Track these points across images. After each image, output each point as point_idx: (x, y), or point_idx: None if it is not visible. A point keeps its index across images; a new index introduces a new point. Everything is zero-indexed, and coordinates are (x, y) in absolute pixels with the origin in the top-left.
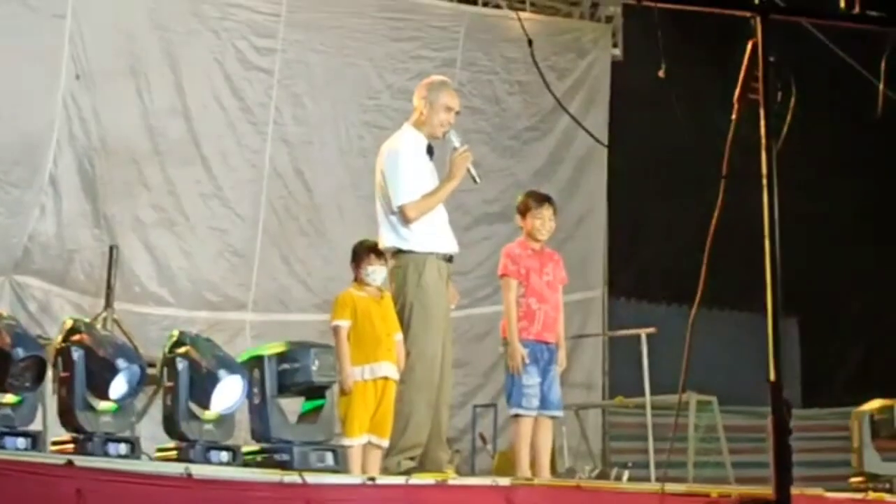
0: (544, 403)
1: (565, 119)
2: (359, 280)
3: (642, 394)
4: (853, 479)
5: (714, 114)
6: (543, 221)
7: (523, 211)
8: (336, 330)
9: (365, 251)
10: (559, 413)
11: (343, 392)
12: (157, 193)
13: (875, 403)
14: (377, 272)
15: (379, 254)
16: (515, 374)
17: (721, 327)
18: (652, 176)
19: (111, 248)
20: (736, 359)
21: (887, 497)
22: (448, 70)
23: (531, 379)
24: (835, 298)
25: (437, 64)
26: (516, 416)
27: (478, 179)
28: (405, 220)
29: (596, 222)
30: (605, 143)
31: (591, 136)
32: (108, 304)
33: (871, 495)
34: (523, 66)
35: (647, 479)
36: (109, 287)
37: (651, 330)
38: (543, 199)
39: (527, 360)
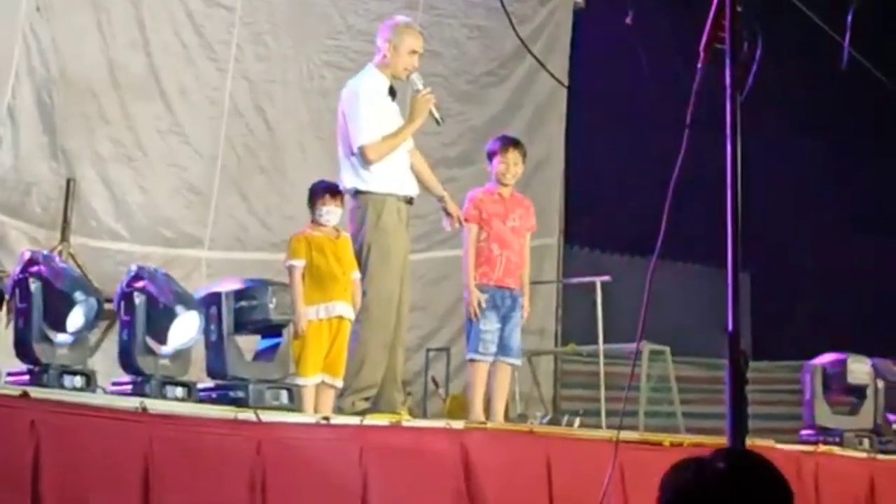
0: (503, 350)
1: (524, 65)
2: (314, 220)
3: (594, 342)
4: (804, 432)
5: (678, 63)
6: (508, 165)
7: (491, 155)
8: (290, 270)
9: (320, 192)
10: (517, 361)
11: (296, 334)
12: (115, 128)
13: (827, 357)
14: (332, 213)
15: (334, 194)
16: (472, 319)
17: (675, 279)
18: (612, 125)
19: (68, 182)
20: (690, 310)
21: (837, 450)
22: (410, 12)
23: (489, 325)
24: (788, 253)
25: (398, 6)
26: (472, 360)
27: (440, 121)
28: (366, 161)
29: (553, 169)
30: (566, 83)
31: (552, 75)
32: (64, 238)
33: (822, 448)
34: (484, 11)
35: (598, 427)
36: (66, 220)
37: (606, 278)
38: (510, 143)
39: (484, 305)
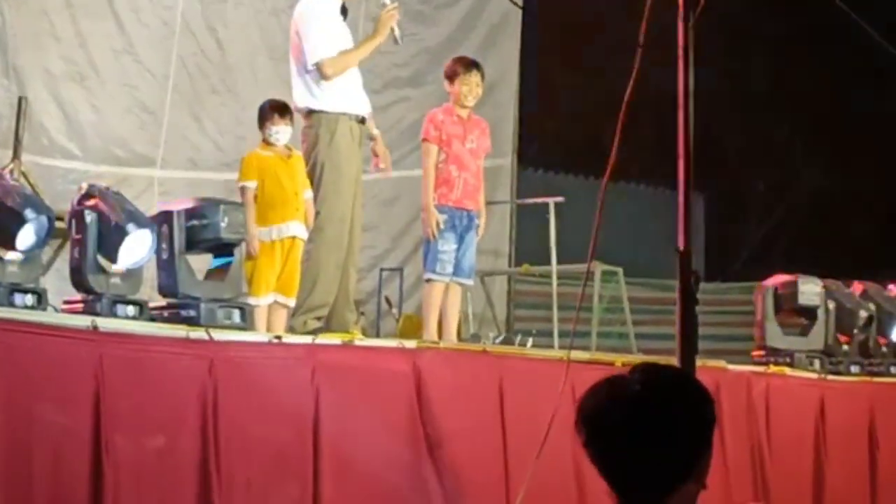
0: (456, 270)
1: None
2: (265, 140)
3: (548, 263)
4: (755, 353)
5: None
6: (470, 87)
7: (451, 76)
8: (242, 191)
9: (270, 111)
10: (469, 281)
11: (249, 255)
12: (67, 46)
13: (778, 278)
14: (282, 132)
15: (284, 113)
16: (430, 239)
17: (629, 199)
18: (565, 46)
19: (20, 100)
20: (642, 231)
21: (788, 370)
22: None
23: (447, 245)
24: (741, 174)
25: None
26: (429, 280)
27: (400, 41)
28: (323, 76)
29: (507, 91)
30: (520, 4)
31: None
32: (16, 156)
33: (772, 368)
34: None
35: (551, 347)
36: (17, 139)
37: (559, 199)
38: (471, 65)
39: (442, 226)
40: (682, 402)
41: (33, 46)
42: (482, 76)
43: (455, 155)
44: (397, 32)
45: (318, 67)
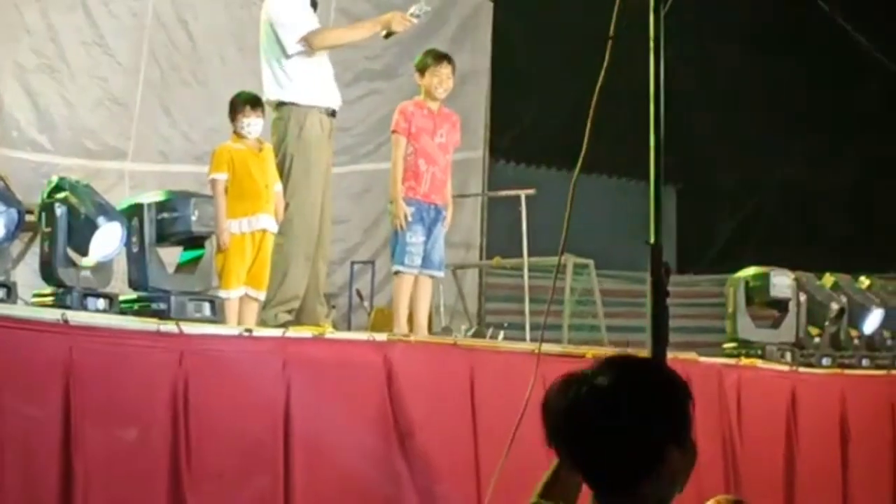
0: (426, 263)
1: None
2: (236, 132)
3: (519, 255)
4: (726, 345)
5: None
6: (441, 80)
7: (421, 69)
8: (213, 183)
9: (241, 103)
10: (440, 273)
11: (219, 248)
12: (37, 39)
13: (750, 270)
14: (253, 124)
15: (255, 106)
16: (399, 231)
17: (601, 192)
18: (537, 37)
19: None
20: (614, 224)
21: (759, 363)
22: None
23: (415, 237)
24: (713, 167)
25: None
26: (397, 273)
27: (387, 36)
28: (311, 47)
29: (479, 82)
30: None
31: None
32: None
33: (744, 360)
34: None
35: (523, 340)
36: None
37: (530, 191)
38: (442, 58)
39: (410, 218)
40: (653, 394)
41: (4, 39)
42: (453, 68)
43: (423, 149)
44: (386, 33)
45: (307, 40)
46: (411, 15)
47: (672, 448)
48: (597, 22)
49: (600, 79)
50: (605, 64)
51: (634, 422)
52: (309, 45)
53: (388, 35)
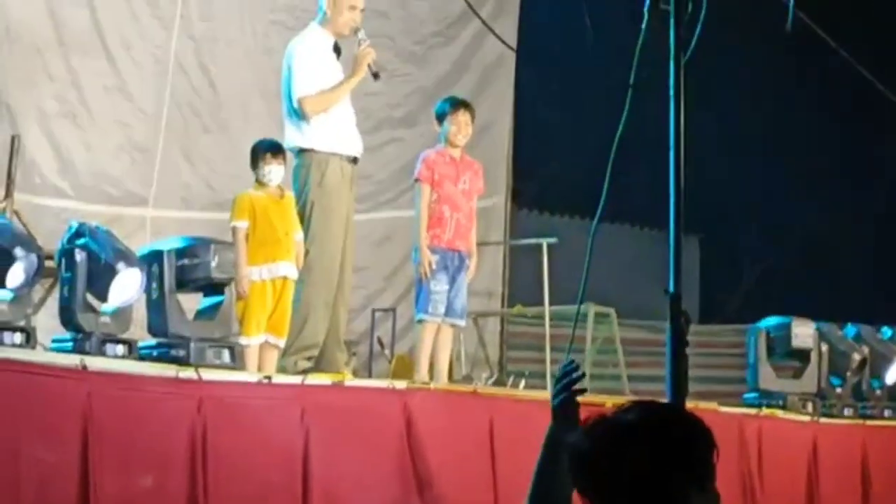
0: (449, 311)
1: (472, 26)
2: (258, 180)
3: (541, 303)
4: (747, 395)
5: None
6: (459, 127)
7: (441, 116)
8: (234, 231)
9: (262, 151)
10: (461, 322)
11: (239, 295)
12: (60, 84)
13: (772, 320)
14: (274, 172)
15: (276, 153)
16: (423, 280)
17: (622, 241)
18: (560, 86)
19: (13, 138)
20: (636, 273)
21: (780, 413)
22: None
23: (439, 285)
24: (736, 218)
25: None
26: (421, 321)
27: (376, 76)
28: (302, 115)
29: (501, 131)
30: (514, 47)
31: (500, 39)
32: (8, 195)
33: (765, 411)
34: None
35: (543, 388)
36: (10, 177)
37: (552, 240)
38: (460, 105)
39: (434, 267)
40: (677, 439)
41: (26, 85)
42: (472, 115)
43: (447, 195)
44: (373, 68)
45: (299, 105)
46: (360, 45)
47: (694, 494)
48: (618, 71)
49: (620, 127)
50: (625, 112)
51: (657, 466)
52: (302, 109)
53: (376, 75)
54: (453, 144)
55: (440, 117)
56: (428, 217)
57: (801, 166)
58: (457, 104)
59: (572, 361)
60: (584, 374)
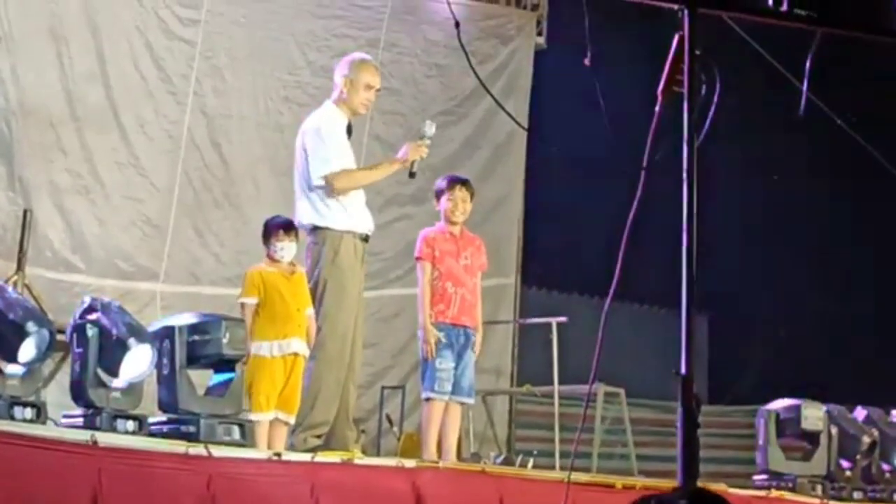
0: (456, 389)
1: (482, 105)
2: (269, 256)
3: (550, 383)
4: (757, 477)
5: (637, 105)
6: (456, 203)
7: (438, 193)
8: (242, 307)
9: (275, 228)
10: (469, 400)
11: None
12: (73, 159)
13: (781, 402)
14: (286, 249)
15: (289, 230)
16: (428, 358)
17: (632, 321)
18: (570, 166)
19: (25, 212)
20: (645, 353)
21: (789, 495)
22: (371, 50)
23: (445, 363)
24: (745, 298)
25: (360, 43)
26: (428, 399)
27: (412, 175)
28: (332, 190)
29: (511, 209)
30: (525, 127)
31: (511, 117)
32: (20, 268)
33: (774, 493)
34: (444, 50)
35: (552, 468)
36: (22, 251)
37: (562, 319)
38: (456, 181)
39: (440, 343)
40: None
41: (39, 159)
42: (471, 192)
43: (449, 271)
44: (415, 167)
45: (328, 180)
46: (421, 139)
47: None
48: (630, 150)
49: (633, 209)
50: (638, 194)
51: None
52: (330, 186)
53: (412, 174)
54: (451, 221)
55: (438, 194)
56: (431, 294)
57: (812, 247)
58: (453, 181)
59: None
60: None
